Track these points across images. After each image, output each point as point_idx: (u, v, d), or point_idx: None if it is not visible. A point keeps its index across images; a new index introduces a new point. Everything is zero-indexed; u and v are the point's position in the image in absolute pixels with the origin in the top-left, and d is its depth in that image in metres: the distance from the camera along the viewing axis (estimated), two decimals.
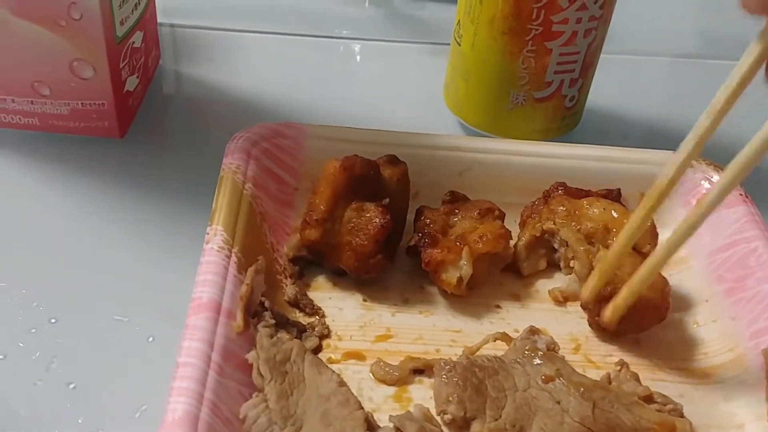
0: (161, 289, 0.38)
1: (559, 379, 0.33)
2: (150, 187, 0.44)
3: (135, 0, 0.45)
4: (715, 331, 0.38)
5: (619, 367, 0.35)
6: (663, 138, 0.54)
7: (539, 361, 0.34)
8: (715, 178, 0.43)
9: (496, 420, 0.32)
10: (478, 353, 0.36)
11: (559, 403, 0.33)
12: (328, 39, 0.61)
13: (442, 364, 0.34)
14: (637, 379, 0.35)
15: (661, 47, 0.64)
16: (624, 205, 0.41)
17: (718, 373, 0.37)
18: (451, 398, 0.33)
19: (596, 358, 0.37)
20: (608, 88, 0.56)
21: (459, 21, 0.48)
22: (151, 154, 0.47)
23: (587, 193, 0.42)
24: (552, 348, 0.36)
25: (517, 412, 0.33)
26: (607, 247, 0.38)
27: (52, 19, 0.41)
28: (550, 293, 0.40)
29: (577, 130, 0.51)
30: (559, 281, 0.41)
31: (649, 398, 0.34)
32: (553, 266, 0.42)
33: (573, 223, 0.40)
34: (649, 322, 0.37)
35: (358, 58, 0.61)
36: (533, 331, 0.36)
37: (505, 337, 0.37)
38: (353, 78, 0.58)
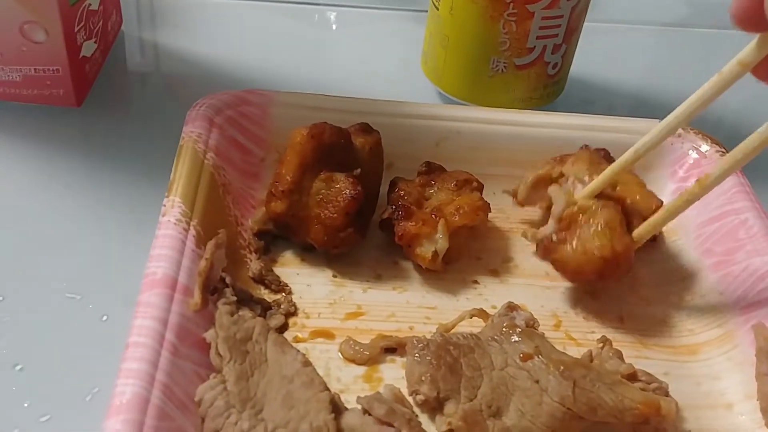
0: (117, 266, 0.36)
1: (538, 357, 0.31)
2: (108, 159, 0.42)
3: None
4: (702, 306, 0.37)
5: (601, 345, 0.33)
6: (649, 107, 0.52)
7: (517, 339, 0.32)
8: (704, 147, 0.42)
9: (471, 400, 0.31)
10: (453, 331, 0.34)
11: (537, 382, 0.31)
12: (303, 5, 0.59)
13: (415, 342, 0.32)
14: (620, 356, 0.33)
15: (648, 15, 0.62)
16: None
17: (706, 350, 0.35)
18: (423, 378, 0.31)
19: (578, 335, 0.35)
20: (594, 57, 0.54)
21: None
22: (111, 124, 0.44)
23: None
24: (531, 325, 0.34)
25: (494, 392, 0.31)
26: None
27: None
28: (526, 232, 0.38)
29: (562, 99, 0.49)
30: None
31: (632, 376, 0.32)
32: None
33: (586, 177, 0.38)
34: (603, 274, 0.35)
35: (334, 26, 0.59)
36: (511, 307, 0.35)
37: (482, 314, 0.35)
38: (329, 46, 0.56)
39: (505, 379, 0.31)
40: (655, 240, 0.39)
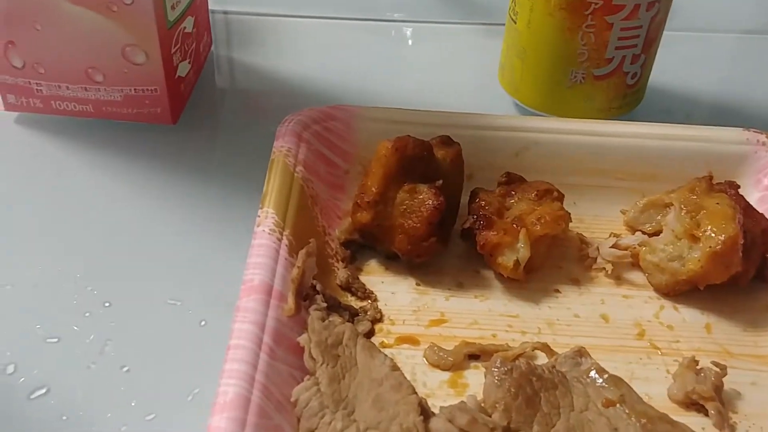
0: (214, 274, 0.38)
1: (621, 405, 0.31)
2: (203, 173, 0.44)
3: None
4: None
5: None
6: (728, 116, 0.52)
7: (604, 384, 0.32)
8: None
9: None
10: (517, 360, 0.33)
11: (616, 430, 0.30)
12: (381, 22, 0.61)
13: (499, 363, 0.32)
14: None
15: (728, 23, 0.61)
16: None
17: None
18: (498, 405, 0.31)
19: (662, 344, 0.35)
20: (673, 66, 0.54)
21: None
22: (204, 140, 0.47)
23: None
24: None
25: None
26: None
27: (105, 4, 0.41)
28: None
29: (640, 108, 0.49)
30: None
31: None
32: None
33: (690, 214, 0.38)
34: (719, 276, 0.36)
35: (410, 41, 0.60)
36: (581, 352, 0.34)
37: (545, 348, 0.34)
38: (406, 61, 0.58)
39: (583, 422, 0.31)
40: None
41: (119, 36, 0.42)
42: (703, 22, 0.61)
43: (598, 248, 0.39)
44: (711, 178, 0.39)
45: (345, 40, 0.58)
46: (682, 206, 0.37)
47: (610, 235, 0.40)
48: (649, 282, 0.38)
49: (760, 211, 0.39)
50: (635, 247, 0.38)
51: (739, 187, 0.39)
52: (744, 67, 0.58)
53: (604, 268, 0.38)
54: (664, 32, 0.46)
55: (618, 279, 0.38)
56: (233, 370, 0.29)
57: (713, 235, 0.35)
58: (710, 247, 0.35)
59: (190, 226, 0.41)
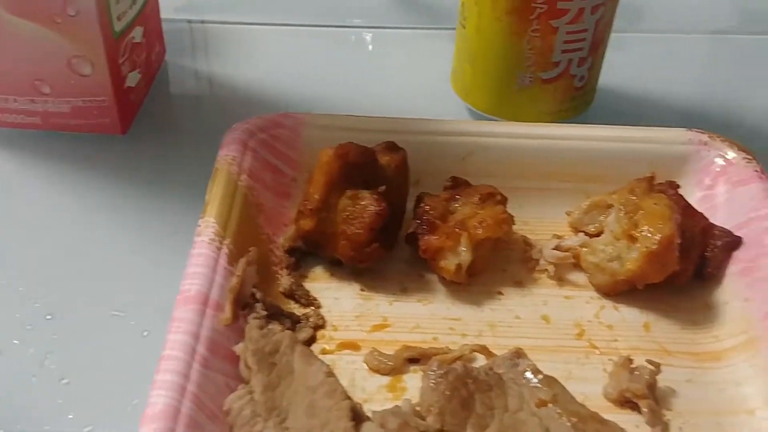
0: (158, 285, 0.38)
1: (553, 405, 0.31)
2: (152, 183, 0.44)
3: None
4: (727, 313, 0.37)
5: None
6: (681, 117, 0.52)
7: (537, 384, 0.32)
8: (731, 155, 0.41)
9: None
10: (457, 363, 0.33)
11: (548, 430, 0.30)
12: (341, 28, 0.61)
13: (435, 366, 0.32)
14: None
15: (681, 25, 0.62)
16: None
17: (730, 357, 0.35)
18: (431, 408, 0.31)
19: (601, 344, 0.36)
20: (626, 67, 0.54)
21: (463, 3, 0.47)
22: (154, 150, 0.46)
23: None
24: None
25: None
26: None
27: (48, 15, 0.41)
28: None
29: (592, 111, 0.49)
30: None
31: None
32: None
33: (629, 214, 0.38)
34: (656, 275, 0.36)
35: (370, 47, 0.60)
36: (518, 353, 0.34)
37: (483, 350, 0.35)
38: (366, 67, 0.58)
39: (516, 423, 0.31)
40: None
41: (64, 47, 0.42)
42: (656, 24, 0.62)
43: (541, 250, 0.39)
44: (652, 178, 0.39)
45: (305, 47, 0.58)
46: (621, 207, 0.38)
47: (552, 237, 0.40)
48: (591, 282, 0.38)
49: (701, 211, 0.39)
50: (577, 249, 0.39)
51: (678, 186, 0.39)
52: (698, 69, 0.59)
53: (547, 270, 0.39)
54: (620, 34, 0.46)
55: (560, 280, 0.39)
56: (164, 381, 0.29)
57: (649, 235, 0.36)
58: (647, 247, 0.36)
59: (136, 237, 0.41)
